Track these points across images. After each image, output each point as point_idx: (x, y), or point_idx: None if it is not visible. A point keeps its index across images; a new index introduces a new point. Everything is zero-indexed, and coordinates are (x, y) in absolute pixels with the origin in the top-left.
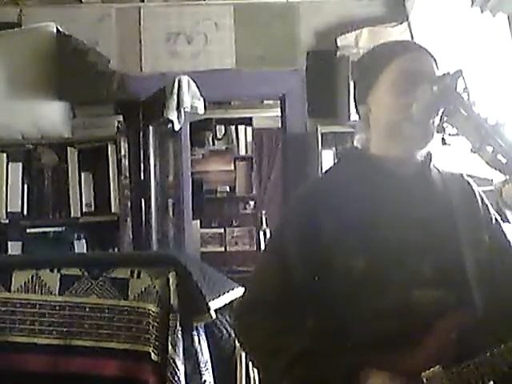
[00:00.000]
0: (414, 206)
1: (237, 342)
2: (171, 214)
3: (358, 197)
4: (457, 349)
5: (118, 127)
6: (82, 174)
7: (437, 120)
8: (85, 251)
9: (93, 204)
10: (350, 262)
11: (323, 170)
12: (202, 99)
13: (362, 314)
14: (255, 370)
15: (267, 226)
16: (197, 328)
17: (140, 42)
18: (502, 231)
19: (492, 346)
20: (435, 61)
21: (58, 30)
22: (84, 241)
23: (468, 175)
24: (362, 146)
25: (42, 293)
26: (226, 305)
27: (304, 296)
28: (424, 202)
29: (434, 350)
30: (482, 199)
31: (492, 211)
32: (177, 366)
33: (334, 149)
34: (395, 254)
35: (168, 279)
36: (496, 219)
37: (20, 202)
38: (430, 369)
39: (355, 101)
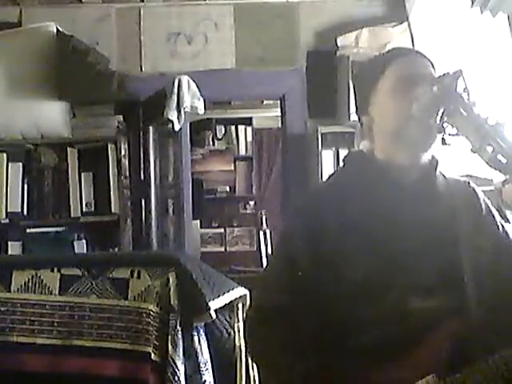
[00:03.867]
0: (416, 212)
1: (248, 352)
2: (171, 213)
3: (362, 203)
4: (452, 358)
5: (118, 127)
6: (82, 174)
7: (437, 120)
8: (85, 251)
9: (93, 204)
10: (351, 269)
11: (323, 171)
12: (201, 99)
13: (361, 320)
14: (255, 370)
15: (267, 226)
16: (197, 328)
17: (140, 42)
18: (508, 239)
19: (487, 356)
20: (431, 62)
21: (58, 30)
22: (84, 241)
23: (468, 175)
24: (368, 150)
25: (41, 293)
26: (225, 305)
27: (310, 304)
28: (426, 209)
29: (429, 358)
30: (488, 207)
31: (498, 219)
32: (177, 366)
33: (334, 149)
34: (394, 262)
35: (168, 279)
36: (503, 226)
37: (20, 202)
38: (425, 377)
39: (357, 111)
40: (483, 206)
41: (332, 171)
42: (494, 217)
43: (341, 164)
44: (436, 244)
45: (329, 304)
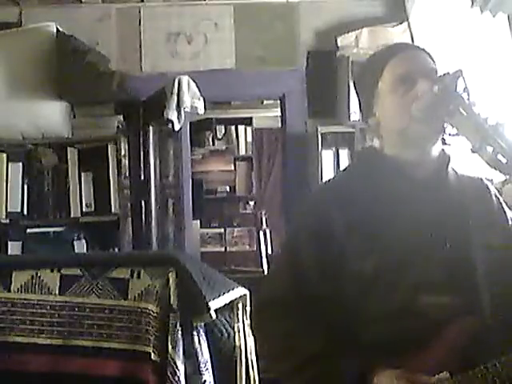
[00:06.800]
0: (426, 208)
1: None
2: (171, 213)
3: (371, 199)
4: (464, 355)
5: (118, 127)
6: (82, 174)
7: (441, 118)
8: (85, 251)
9: (93, 204)
10: (360, 264)
11: (323, 171)
12: (201, 99)
13: (371, 316)
14: (255, 370)
15: (267, 226)
16: (197, 328)
17: (140, 42)
18: None
19: (501, 354)
20: (430, 56)
21: (57, 30)
22: (84, 241)
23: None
24: (379, 147)
25: (42, 293)
26: (226, 305)
27: (316, 296)
28: (436, 206)
29: (441, 355)
30: (500, 203)
31: (509, 215)
32: (177, 366)
33: (334, 149)
34: (404, 258)
35: (168, 279)
36: None
37: (20, 202)
38: (437, 374)
39: (362, 114)
40: (495, 202)
41: (332, 171)
42: (505, 213)
43: (352, 159)
44: (447, 240)
45: (338, 297)
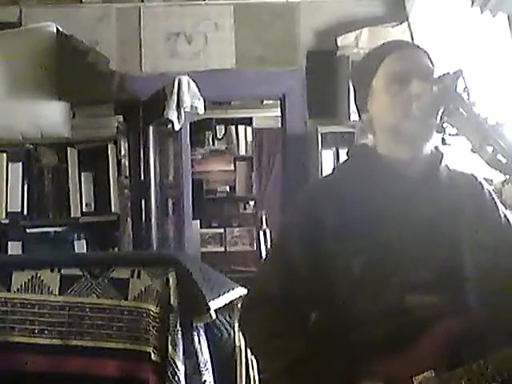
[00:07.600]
0: (416, 207)
1: (241, 335)
2: (171, 213)
3: (362, 196)
4: (450, 354)
5: (117, 127)
6: (82, 174)
7: (437, 120)
8: (85, 251)
9: (93, 204)
10: (348, 262)
11: (323, 171)
12: (201, 99)
13: (358, 314)
14: (255, 370)
15: (267, 225)
16: (197, 328)
17: (140, 42)
18: None
19: (487, 353)
20: (428, 55)
21: (57, 29)
22: (84, 241)
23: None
24: (371, 144)
25: (42, 293)
26: (225, 305)
27: (306, 295)
28: (427, 204)
29: (427, 354)
30: (493, 199)
31: (502, 212)
32: (177, 366)
33: (334, 149)
34: (392, 257)
35: (168, 279)
36: (506, 218)
37: (20, 202)
38: (422, 373)
39: (357, 109)
40: (488, 198)
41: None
42: (498, 209)
43: (346, 157)
44: (438, 238)
45: (326, 296)
